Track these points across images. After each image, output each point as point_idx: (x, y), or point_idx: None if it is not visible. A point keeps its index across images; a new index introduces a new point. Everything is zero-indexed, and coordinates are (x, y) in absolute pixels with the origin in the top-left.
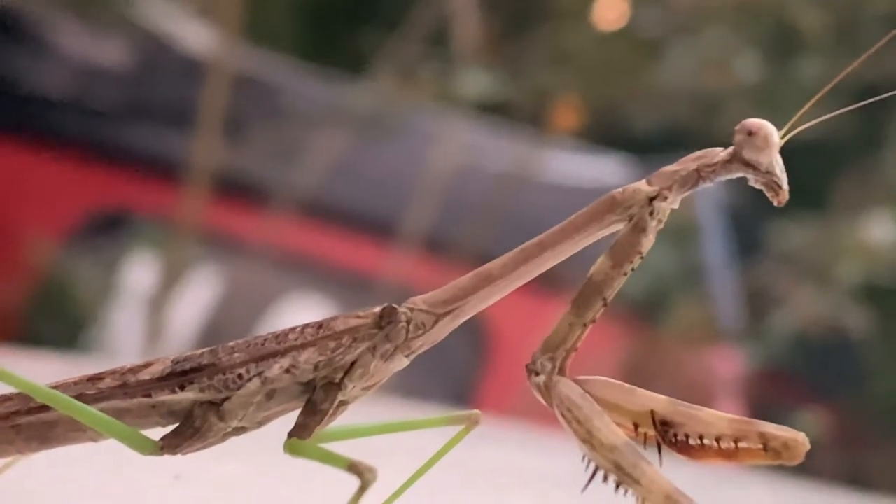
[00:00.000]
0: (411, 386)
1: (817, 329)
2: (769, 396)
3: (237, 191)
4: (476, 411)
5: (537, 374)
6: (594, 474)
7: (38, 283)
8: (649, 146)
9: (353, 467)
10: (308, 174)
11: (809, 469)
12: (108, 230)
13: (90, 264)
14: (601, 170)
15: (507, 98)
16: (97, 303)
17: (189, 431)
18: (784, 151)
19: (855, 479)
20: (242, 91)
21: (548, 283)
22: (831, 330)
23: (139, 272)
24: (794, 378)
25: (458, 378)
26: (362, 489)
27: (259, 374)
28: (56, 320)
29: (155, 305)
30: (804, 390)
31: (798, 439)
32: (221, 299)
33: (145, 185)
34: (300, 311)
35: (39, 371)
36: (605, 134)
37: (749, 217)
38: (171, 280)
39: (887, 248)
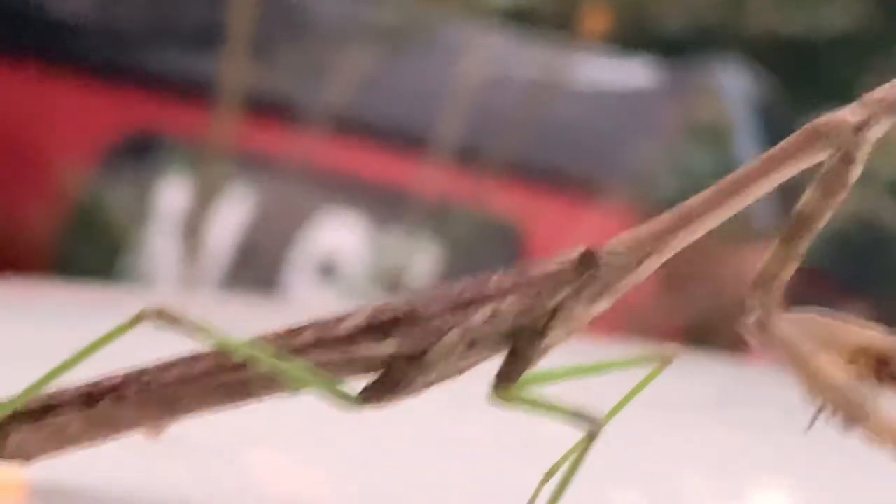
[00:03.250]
0: None
1: (854, 225)
2: (807, 294)
3: (267, 109)
4: (673, 347)
5: (750, 312)
6: (820, 411)
7: (70, 211)
8: (678, 48)
9: (578, 416)
10: (338, 90)
11: None
12: (140, 154)
13: (123, 189)
14: (631, 74)
15: (535, 5)
16: (131, 228)
17: (390, 384)
18: (811, 46)
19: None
20: (269, 9)
21: (580, 187)
22: (868, 226)
23: (172, 195)
24: (832, 275)
25: None
26: (588, 441)
27: (459, 323)
28: (90, 247)
29: (190, 228)
30: (842, 287)
31: None
32: (256, 219)
33: (175, 106)
34: (335, 226)
35: (75, 301)
36: (633, 37)
37: (781, 114)
38: (205, 202)
39: None
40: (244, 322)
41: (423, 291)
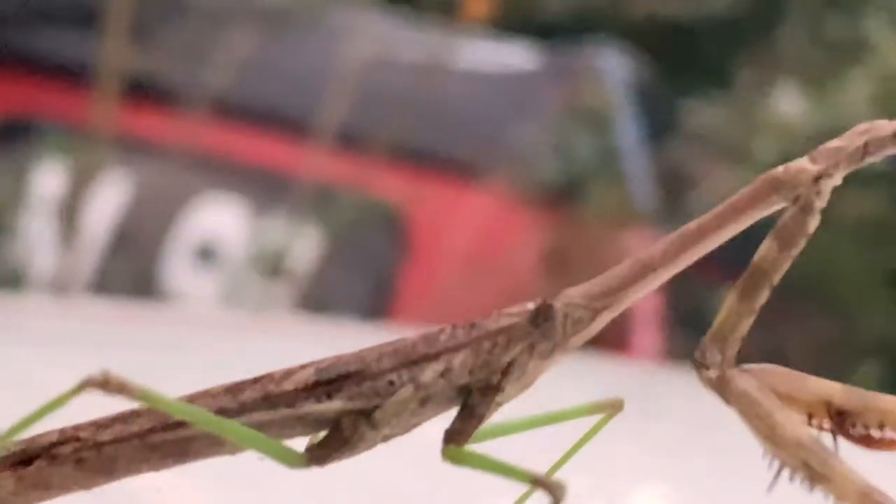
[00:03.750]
0: (332, 280)
1: None
2: (689, 275)
3: (146, 93)
4: (619, 398)
5: (708, 367)
6: (780, 472)
7: None
8: (560, 32)
9: (539, 482)
10: (219, 73)
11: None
12: (15, 138)
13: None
14: (514, 57)
15: None
16: (8, 212)
17: (338, 442)
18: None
19: (771, 351)
20: None
21: (463, 171)
22: None
23: (50, 179)
24: (713, 254)
25: (379, 271)
26: None
27: (411, 379)
28: None
29: (66, 212)
30: (723, 267)
31: None
32: (134, 202)
33: (52, 90)
34: (215, 211)
35: None
36: (516, 21)
37: (661, 98)
38: (82, 186)
39: (798, 122)
40: (121, 327)
41: (374, 346)
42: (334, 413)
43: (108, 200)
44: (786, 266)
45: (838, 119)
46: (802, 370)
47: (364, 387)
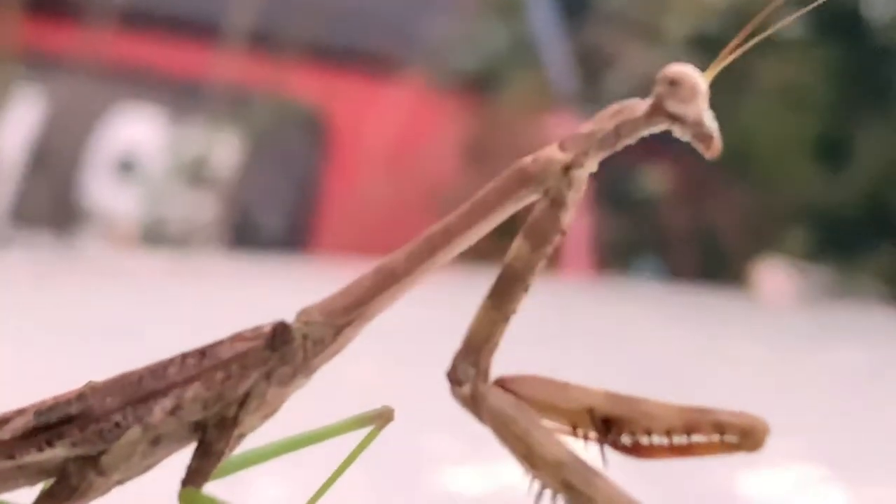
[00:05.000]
0: (255, 185)
1: (651, 85)
2: (613, 156)
3: (52, 7)
4: (388, 407)
5: (461, 383)
6: (540, 495)
7: None
8: None
9: None
10: None
11: (654, 221)
12: None
13: None
14: None
15: None
16: None
17: (66, 491)
18: None
19: (699, 227)
20: None
21: (379, 66)
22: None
23: None
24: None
25: (301, 173)
26: None
27: (139, 419)
28: None
29: None
30: (647, 147)
31: (757, 425)
32: (48, 121)
33: None
34: (131, 123)
35: None
36: None
37: None
38: None
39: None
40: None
41: (98, 382)
42: (59, 461)
43: (22, 120)
44: (541, 266)
45: None
46: (732, 244)
47: (88, 431)
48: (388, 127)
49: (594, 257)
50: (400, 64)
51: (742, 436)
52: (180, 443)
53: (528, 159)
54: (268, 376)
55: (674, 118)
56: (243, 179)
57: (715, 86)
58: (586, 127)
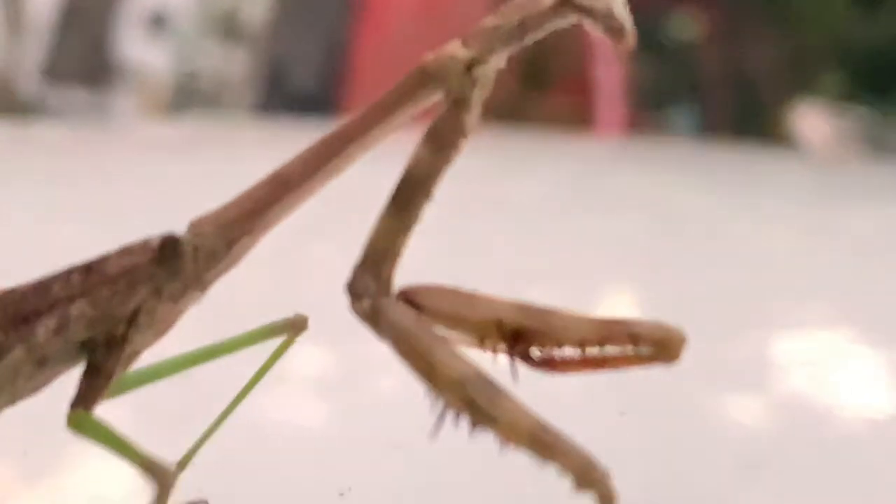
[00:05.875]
0: (286, 41)
1: None
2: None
3: None
4: (302, 315)
5: (360, 297)
6: (443, 415)
7: None
8: None
9: (150, 467)
10: None
11: (688, 67)
12: None
13: None
14: None
15: None
16: None
17: None
18: None
19: (735, 72)
20: None
21: None
22: None
23: None
24: None
25: (332, 29)
26: (162, 497)
27: (22, 340)
28: None
29: None
30: None
31: (673, 336)
32: None
33: None
34: None
35: None
36: None
37: None
38: None
39: None
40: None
41: None
42: None
43: None
44: (444, 171)
45: None
46: (768, 88)
47: None
48: None
49: (629, 109)
50: None
51: (657, 347)
52: (67, 364)
53: (428, 57)
54: (157, 292)
55: (581, 10)
56: (274, 34)
57: None
58: (490, 21)
